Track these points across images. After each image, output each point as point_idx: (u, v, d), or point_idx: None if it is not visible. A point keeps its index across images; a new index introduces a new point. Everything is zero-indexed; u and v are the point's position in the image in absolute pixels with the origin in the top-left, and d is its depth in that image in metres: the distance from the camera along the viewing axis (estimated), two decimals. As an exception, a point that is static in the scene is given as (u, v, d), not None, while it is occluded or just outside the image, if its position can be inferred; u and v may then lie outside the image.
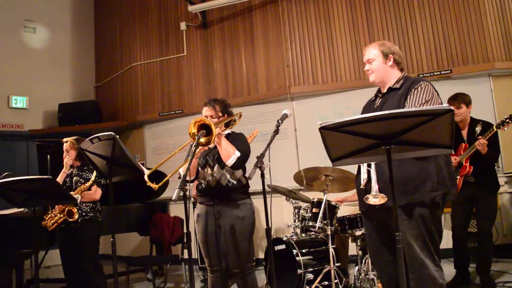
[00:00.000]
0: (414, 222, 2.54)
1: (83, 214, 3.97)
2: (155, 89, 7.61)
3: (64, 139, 4.19)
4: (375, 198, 2.28)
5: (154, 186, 2.93)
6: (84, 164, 4.15)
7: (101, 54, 8.80)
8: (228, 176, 3.28)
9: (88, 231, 4.00)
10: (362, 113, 2.79)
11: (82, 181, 4.04)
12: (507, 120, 3.95)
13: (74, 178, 4.10)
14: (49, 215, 4.02)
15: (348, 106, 5.98)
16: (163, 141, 7.43)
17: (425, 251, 2.54)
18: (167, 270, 5.26)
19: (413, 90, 2.61)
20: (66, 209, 3.89)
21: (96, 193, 4.02)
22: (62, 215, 3.92)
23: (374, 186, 2.35)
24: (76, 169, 4.17)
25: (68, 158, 4.13)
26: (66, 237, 4.05)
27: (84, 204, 3.99)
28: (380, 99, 2.82)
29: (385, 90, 2.80)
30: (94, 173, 4.00)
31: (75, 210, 3.89)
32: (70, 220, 3.88)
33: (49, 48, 8.33)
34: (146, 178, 2.97)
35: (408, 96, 2.61)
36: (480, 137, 4.03)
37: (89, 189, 3.97)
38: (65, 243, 4.10)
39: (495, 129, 4.00)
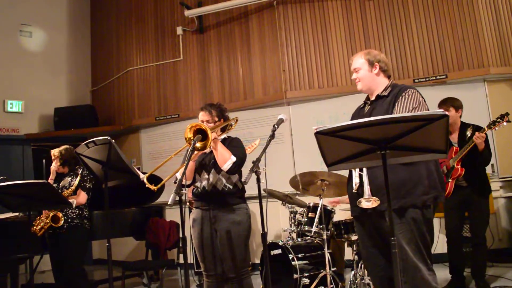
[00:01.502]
0: (407, 226, 2.56)
1: (69, 220, 4.01)
2: (151, 93, 7.60)
3: (52, 150, 4.27)
4: (368, 202, 2.30)
5: (153, 187, 2.96)
6: (71, 170, 4.24)
7: (97, 58, 8.79)
8: (224, 180, 3.27)
9: (73, 238, 4.04)
10: (351, 120, 2.83)
11: (67, 186, 4.10)
12: (498, 120, 3.99)
13: (61, 184, 4.16)
14: (37, 221, 4.05)
15: (344, 111, 5.98)
16: (159, 146, 7.42)
17: (418, 254, 2.56)
18: (163, 275, 5.25)
19: (400, 97, 2.67)
20: (51, 214, 3.93)
21: (80, 196, 4.06)
22: (48, 221, 3.95)
23: (367, 189, 2.37)
24: (63, 176, 4.24)
25: (54, 165, 4.20)
26: (53, 242, 4.10)
27: (70, 211, 4.03)
28: (369, 106, 2.87)
29: (373, 98, 2.85)
30: (79, 178, 4.06)
31: (60, 215, 3.94)
32: (56, 225, 3.92)
33: (45, 52, 8.31)
34: (145, 180, 2.99)
35: (396, 103, 2.66)
36: (477, 132, 4.04)
37: (74, 193, 4.02)
38: (53, 248, 4.14)
39: (486, 129, 4.03)
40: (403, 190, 2.55)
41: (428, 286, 2.54)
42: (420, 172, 2.58)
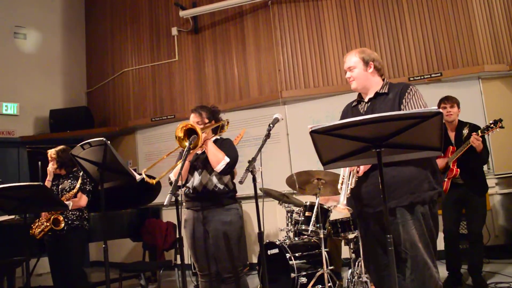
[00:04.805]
0: (418, 222, 2.56)
1: (69, 222, 3.99)
2: (147, 94, 7.59)
3: (49, 151, 4.24)
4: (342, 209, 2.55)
5: (152, 181, 3.02)
6: (69, 172, 4.20)
7: (93, 59, 8.77)
8: (215, 181, 3.29)
9: (73, 239, 4.01)
10: (341, 119, 2.83)
11: (67, 189, 4.06)
12: (492, 126, 4.02)
13: (60, 186, 4.12)
14: (36, 224, 4.03)
15: (340, 110, 5.91)
16: (156, 147, 7.40)
17: (428, 251, 2.56)
18: (160, 276, 5.23)
19: (406, 94, 2.63)
20: (52, 217, 3.91)
21: (81, 200, 4.03)
22: (48, 224, 3.94)
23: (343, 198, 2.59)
24: (62, 178, 4.19)
25: (50, 166, 4.16)
26: (53, 244, 4.06)
27: (70, 212, 4.00)
28: (367, 104, 2.81)
29: (371, 95, 2.79)
30: (79, 181, 4.03)
31: (61, 218, 3.92)
32: (56, 228, 3.90)
33: (40, 54, 8.29)
34: (144, 175, 3.06)
35: (404, 99, 2.62)
36: (474, 133, 4.05)
37: (75, 196, 3.99)
38: (52, 251, 4.11)
39: (480, 134, 4.04)
40: (412, 185, 2.55)
41: (436, 283, 2.54)
42: (426, 168, 2.58)
